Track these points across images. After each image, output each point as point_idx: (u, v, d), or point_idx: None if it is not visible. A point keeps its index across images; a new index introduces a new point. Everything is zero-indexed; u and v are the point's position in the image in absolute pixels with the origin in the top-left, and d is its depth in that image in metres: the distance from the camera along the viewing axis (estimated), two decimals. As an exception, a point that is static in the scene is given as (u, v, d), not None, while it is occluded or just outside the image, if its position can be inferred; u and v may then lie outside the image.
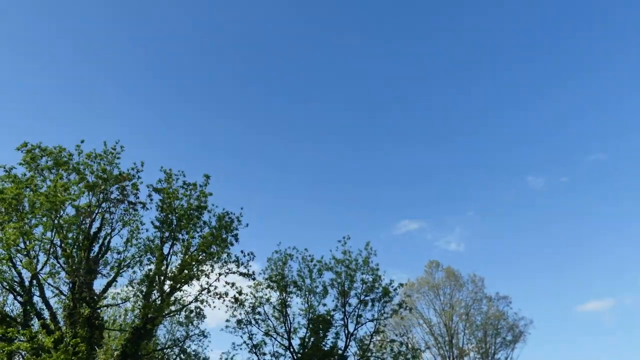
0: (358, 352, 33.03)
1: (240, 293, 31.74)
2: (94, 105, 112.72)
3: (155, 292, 25.25)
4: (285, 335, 32.51)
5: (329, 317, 32.27)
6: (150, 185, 26.08)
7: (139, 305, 25.34)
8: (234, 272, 28.13)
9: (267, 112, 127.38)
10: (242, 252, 28.68)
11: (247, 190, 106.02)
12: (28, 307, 23.65)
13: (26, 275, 23.53)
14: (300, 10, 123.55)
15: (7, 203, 21.58)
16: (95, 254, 24.52)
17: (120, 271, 24.88)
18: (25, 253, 22.55)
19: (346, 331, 32.67)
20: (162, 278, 25.31)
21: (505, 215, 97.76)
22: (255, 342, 32.32)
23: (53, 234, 23.12)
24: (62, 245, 23.55)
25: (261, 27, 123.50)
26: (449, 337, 49.12)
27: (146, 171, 25.94)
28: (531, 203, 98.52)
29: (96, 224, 24.78)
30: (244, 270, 28.46)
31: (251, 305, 32.41)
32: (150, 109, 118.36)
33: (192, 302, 27.67)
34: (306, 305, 32.64)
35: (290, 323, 32.68)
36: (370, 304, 32.91)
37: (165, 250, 25.91)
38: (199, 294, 27.50)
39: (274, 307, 32.88)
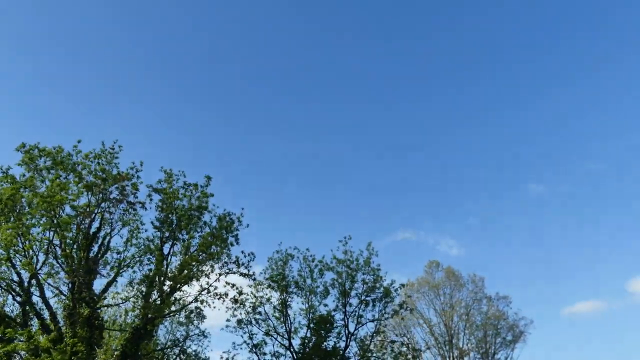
0: (358, 352, 32.94)
1: (240, 293, 31.64)
2: (93, 105, 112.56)
3: (155, 292, 25.14)
4: (286, 335, 32.45)
5: (330, 318, 32.18)
6: (150, 186, 25.99)
7: (139, 305, 25.23)
8: (234, 273, 28.05)
9: (268, 112, 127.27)
10: (242, 252, 28.63)
11: (247, 190, 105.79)
12: (27, 307, 23.55)
13: (25, 275, 23.45)
14: (300, 10, 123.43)
15: (3, 204, 21.46)
16: (95, 254, 24.43)
17: (120, 271, 24.80)
18: (23, 253, 22.44)
19: (347, 331, 32.60)
20: (162, 278, 25.20)
21: (506, 221, 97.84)
22: (255, 342, 32.26)
23: (52, 234, 23.00)
24: (62, 245, 23.44)
25: (261, 27, 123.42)
26: (449, 337, 49.06)
27: (146, 171, 25.84)
28: (531, 210, 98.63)
29: (96, 224, 24.72)
30: (245, 271, 28.38)
31: (252, 305, 32.32)
32: (149, 109, 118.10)
33: (192, 302, 27.59)
34: (307, 305, 32.57)
35: (291, 323, 32.63)
36: (371, 304, 32.83)
37: (165, 251, 25.86)
38: (198, 294, 27.40)
39: (274, 307, 32.80)
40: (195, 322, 30.97)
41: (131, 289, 26.05)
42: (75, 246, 23.78)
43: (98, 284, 25.33)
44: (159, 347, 32.06)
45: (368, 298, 32.83)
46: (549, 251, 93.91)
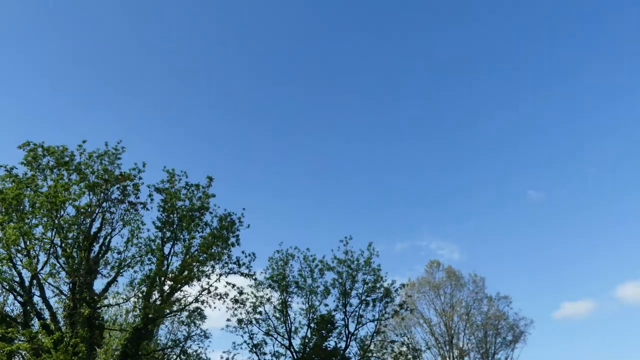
0: (359, 352, 32.96)
1: (241, 293, 31.70)
2: (96, 105, 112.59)
3: (155, 292, 25.15)
4: (286, 335, 32.47)
5: (330, 317, 32.19)
6: (151, 185, 25.99)
7: (140, 305, 25.24)
8: (234, 273, 28.07)
9: (269, 112, 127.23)
10: (242, 252, 28.64)
11: (249, 191, 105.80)
12: (28, 307, 23.56)
13: (26, 275, 23.46)
14: (301, 7, 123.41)
15: (7, 203, 21.47)
16: (96, 253, 24.41)
17: (121, 271, 24.77)
18: (25, 253, 22.45)
19: (347, 331, 32.63)
20: (163, 278, 25.20)
21: (506, 225, 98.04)
22: (255, 342, 32.28)
23: (53, 233, 23.01)
24: (63, 245, 23.44)
25: (263, 25, 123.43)
26: (449, 337, 49.06)
27: (147, 171, 25.83)
28: (532, 216, 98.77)
29: (96, 224, 24.69)
30: (245, 271, 28.38)
31: (252, 304, 32.35)
32: (151, 108, 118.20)
33: (192, 302, 27.60)
34: (307, 305, 32.59)
35: (291, 323, 32.65)
36: (371, 304, 32.85)
37: (166, 251, 25.83)
38: (199, 295, 27.42)
39: (274, 306, 32.82)
40: (197, 322, 30.96)
41: (132, 289, 26.05)
42: (76, 246, 23.79)
43: (99, 284, 25.35)
44: (160, 347, 32.08)
45: (368, 298, 32.87)
46: (546, 254, 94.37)
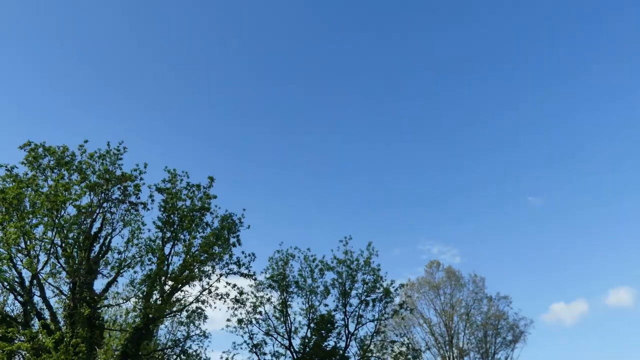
0: (359, 352, 32.98)
1: (241, 293, 31.72)
2: (96, 105, 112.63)
3: (156, 292, 25.17)
4: (286, 335, 32.49)
5: (330, 317, 32.21)
6: (152, 185, 25.98)
7: (140, 305, 25.26)
8: (235, 273, 28.09)
9: (270, 112, 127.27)
10: (242, 253, 28.64)
11: (249, 191, 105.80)
12: (28, 307, 23.59)
13: (27, 275, 23.49)
14: (302, 7, 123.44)
15: (8, 203, 21.49)
16: (96, 254, 24.43)
17: (121, 271, 24.79)
18: (25, 253, 22.47)
19: (347, 331, 32.65)
20: (163, 278, 25.23)
21: (506, 226, 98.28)
22: (255, 342, 32.29)
23: (54, 233, 23.03)
24: (63, 245, 23.47)
25: (263, 25, 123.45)
26: (449, 337, 49.08)
27: (148, 171, 25.84)
28: (531, 221, 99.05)
29: (97, 224, 24.70)
30: (245, 271, 28.40)
31: (252, 304, 32.37)
32: (151, 108, 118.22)
33: (192, 302, 27.63)
34: (307, 305, 32.61)
35: (291, 323, 32.66)
36: (371, 304, 32.87)
37: (167, 251, 25.83)
38: (199, 295, 27.45)
39: (274, 306, 32.83)
40: (197, 323, 30.99)
41: (132, 289, 26.08)
42: (76, 246, 23.81)
43: (99, 284, 25.38)
44: (160, 347, 32.10)
45: (368, 298, 32.88)
46: (545, 255, 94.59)
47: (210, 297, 27.85)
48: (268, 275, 32.55)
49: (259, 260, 64.25)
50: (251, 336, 32.30)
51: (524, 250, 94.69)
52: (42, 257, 23.46)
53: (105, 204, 24.63)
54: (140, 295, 25.47)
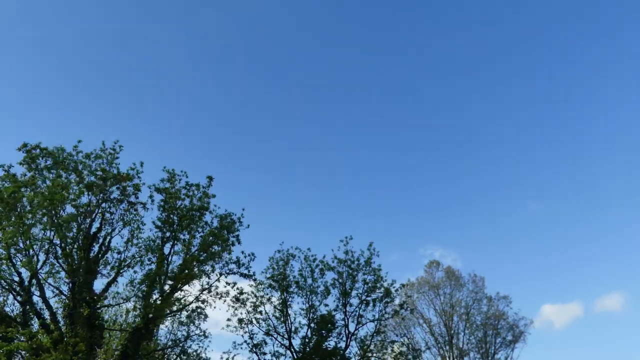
0: (359, 352, 32.91)
1: (241, 293, 31.66)
2: (94, 107, 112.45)
3: (155, 292, 25.11)
4: (286, 335, 32.41)
5: (330, 317, 32.13)
6: (152, 185, 25.97)
7: (140, 305, 25.19)
8: (234, 273, 28.04)
9: (269, 115, 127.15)
10: (242, 252, 28.61)
11: (248, 196, 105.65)
12: (27, 307, 23.51)
13: (26, 275, 23.41)
14: (303, 13, 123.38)
15: (4, 202, 21.41)
16: (95, 253, 24.39)
17: (121, 271, 24.75)
18: (24, 253, 22.40)
19: (347, 331, 32.57)
20: (163, 278, 25.16)
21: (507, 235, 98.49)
22: (256, 342, 32.22)
23: (52, 233, 22.96)
24: (62, 244, 23.40)
25: (264, 30, 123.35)
26: (449, 337, 49.02)
27: (146, 173, 25.80)
28: (532, 227, 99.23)
29: (96, 224, 24.67)
30: (245, 271, 28.35)
31: (252, 304, 32.30)
32: (150, 112, 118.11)
33: (192, 302, 27.57)
34: (307, 305, 32.54)
35: (291, 323, 32.59)
36: (371, 304, 32.79)
37: (166, 250, 25.82)
38: (199, 294, 27.39)
39: (274, 306, 32.76)
40: (197, 322, 30.92)
41: (132, 288, 26.03)
42: (75, 246, 23.74)
43: (98, 284, 25.30)
44: (160, 347, 32.03)
45: (369, 298, 32.80)
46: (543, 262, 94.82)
47: (210, 296, 27.81)
48: (268, 275, 32.52)
49: (260, 263, 64.28)
50: (251, 336, 32.26)
51: (524, 257, 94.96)
52: (41, 257, 23.43)
53: (104, 204, 24.59)
54: (140, 295, 25.40)
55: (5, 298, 27.02)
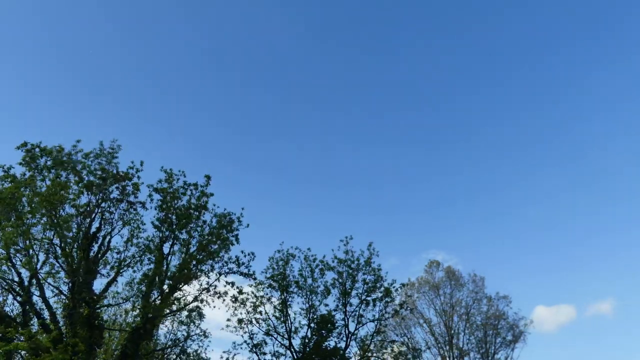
0: (359, 352, 32.88)
1: (240, 292, 31.60)
2: (93, 107, 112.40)
3: (155, 291, 25.08)
4: (286, 335, 32.36)
5: (330, 317, 32.09)
6: (150, 185, 25.90)
7: (139, 305, 25.16)
8: (234, 272, 27.99)
9: (269, 115, 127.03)
10: (242, 252, 28.52)
11: (248, 196, 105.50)
12: (27, 307, 23.49)
13: (26, 275, 23.40)
14: (303, 13, 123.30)
15: (5, 203, 21.39)
16: (95, 253, 24.36)
17: (120, 271, 24.72)
18: (24, 253, 22.38)
19: (347, 331, 32.52)
20: (162, 278, 25.13)
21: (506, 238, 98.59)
22: (255, 342, 32.17)
23: (52, 233, 22.94)
24: (62, 244, 23.37)
25: (264, 30, 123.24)
26: (449, 337, 48.96)
27: (145, 173, 25.74)
28: (531, 232, 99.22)
29: (96, 224, 24.64)
30: (245, 270, 28.29)
31: (252, 304, 32.24)
32: (150, 112, 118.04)
33: (192, 302, 27.51)
34: (307, 305, 32.50)
35: (291, 323, 32.54)
36: (371, 304, 32.74)
37: (165, 250, 25.79)
38: (199, 294, 27.33)
39: (274, 306, 32.71)
40: (196, 322, 30.89)
41: (131, 288, 26.00)
42: (75, 246, 23.71)
43: (98, 284, 25.27)
44: (159, 347, 32.01)
45: (368, 298, 32.75)
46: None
47: (209, 296, 27.74)
48: (268, 275, 32.46)
49: (260, 264, 64.08)
50: (251, 336, 32.21)
51: (523, 259, 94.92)
52: (41, 257, 23.42)
53: (103, 204, 24.55)
54: (139, 295, 25.36)
55: (5, 298, 27.05)
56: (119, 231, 25.04)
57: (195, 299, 27.41)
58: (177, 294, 26.43)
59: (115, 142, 25.07)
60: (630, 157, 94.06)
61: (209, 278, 27.30)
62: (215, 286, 27.81)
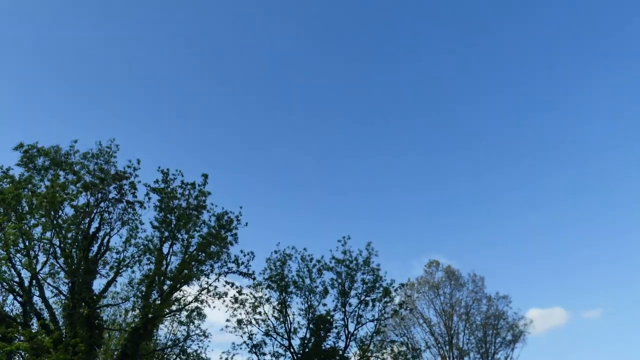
0: (358, 352, 32.91)
1: (240, 292, 31.65)
2: (91, 107, 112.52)
3: (154, 292, 25.16)
4: (285, 336, 32.41)
5: (329, 318, 32.14)
6: (147, 185, 25.93)
7: (139, 305, 25.24)
8: (233, 272, 28.05)
9: (268, 116, 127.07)
10: (241, 251, 28.56)
11: (247, 198, 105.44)
12: (28, 307, 23.59)
13: (26, 275, 23.50)
14: (302, 14, 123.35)
15: (6, 203, 21.50)
16: (94, 253, 24.43)
17: (120, 271, 24.79)
18: (24, 253, 22.48)
19: (346, 331, 32.55)
20: (162, 278, 25.21)
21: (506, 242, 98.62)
22: (255, 342, 32.24)
23: (52, 234, 23.03)
24: (61, 245, 23.46)
25: (263, 30, 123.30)
26: (449, 337, 49.00)
27: (143, 172, 25.76)
28: (531, 236, 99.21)
29: (95, 224, 24.72)
30: (244, 270, 28.36)
31: (251, 305, 32.30)
32: (147, 112, 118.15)
33: (192, 302, 27.59)
34: (306, 305, 32.54)
35: (290, 323, 32.57)
36: (370, 304, 32.77)
37: (165, 250, 25.82)
38: (198, 294, 27.41)
39: (273, 307, 32.76)
40: (196, 322, 30.97)
41: (131, 288, 26.08)
42: (75, 246, 23.80)
43: (98, 284, 25.36)
44: (159, 347, 32.09)
45: (368, 298, 32.75)
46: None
47: (209, 296, 27.82)
48: (266, 276, 32.47)
49: (258, 266, 64.04)
50: (251, 336, 32.25)
51: (524, 263, 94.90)
52: (41, 258, 23.51)
53: (102, 204, 24.64)
54: (139, 295, 25.44)
55: (5, 298, 27.16)
56: (118, 231, 25.14)
57: (196, 299, 27.50)
58: (177, 294, 26.53)
59: (113, 142, 25.17)
60: (631, 162, 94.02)
61: (208, 278, 27.38)
62: (216, 287, 27.91)
